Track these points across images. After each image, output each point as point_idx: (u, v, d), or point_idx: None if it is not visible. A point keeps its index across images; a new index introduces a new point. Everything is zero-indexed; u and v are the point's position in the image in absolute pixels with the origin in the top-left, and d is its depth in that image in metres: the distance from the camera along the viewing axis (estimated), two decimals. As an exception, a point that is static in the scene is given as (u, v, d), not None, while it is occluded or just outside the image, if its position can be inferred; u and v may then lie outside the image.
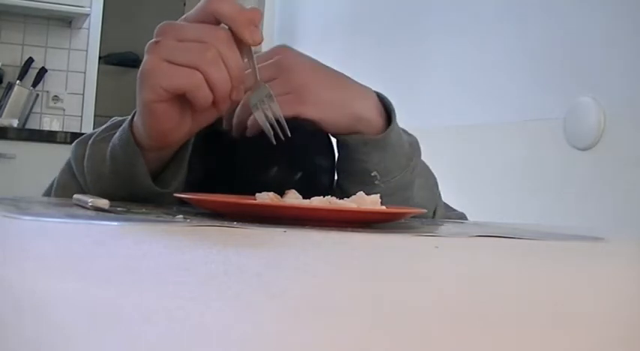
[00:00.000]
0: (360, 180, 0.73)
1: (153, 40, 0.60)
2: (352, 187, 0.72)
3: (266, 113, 0.64)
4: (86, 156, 0.71)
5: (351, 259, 0.40)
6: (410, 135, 0.79)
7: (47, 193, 0.79)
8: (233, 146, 0.75)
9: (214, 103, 0.60)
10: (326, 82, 0.72)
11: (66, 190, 0.74)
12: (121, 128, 0.68)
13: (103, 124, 0.74)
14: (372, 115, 0.73)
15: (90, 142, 0.71)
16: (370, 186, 0.72)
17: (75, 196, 0.62)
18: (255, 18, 0.60)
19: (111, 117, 0.77)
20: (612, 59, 1.46)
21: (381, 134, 0.72)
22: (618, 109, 1.45)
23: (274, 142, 0.64)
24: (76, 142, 0.76)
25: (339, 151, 0.76)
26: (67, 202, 0.63)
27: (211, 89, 0.59)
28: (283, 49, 0.71)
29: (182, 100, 0.60)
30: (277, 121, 0.65)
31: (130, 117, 0.67)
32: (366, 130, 0.72)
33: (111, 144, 0.68)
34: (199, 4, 0.61)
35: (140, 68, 0.61)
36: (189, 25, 0.60)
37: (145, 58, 0.61)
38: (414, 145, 0.78)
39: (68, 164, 0.76)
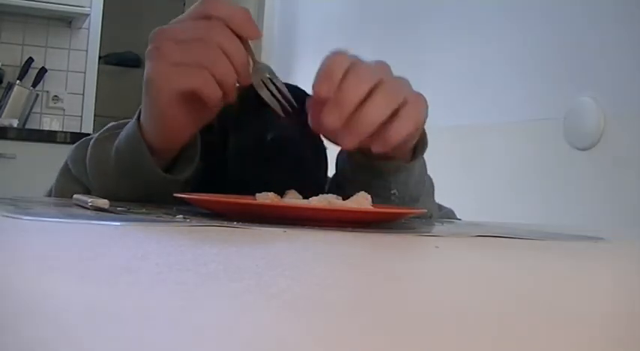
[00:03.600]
0: (376, 193, 0.67)
1: (151, 46, 0.60)
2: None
3: (270, 89, 0.64)
4: (88, 156, 0.71)
5: (351, 259, 0.40)
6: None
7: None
8: (228, 146, 0.75)
9: (223, 95, 0.60)
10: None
11: (65, 193, 0.74)
12: (127, 128, 0.68)
13: (103, 125, 0.74)
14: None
15: (91, 143, 0.71)
16: (385, 200, 0.71)
17: (75, 196, 0.62)
18: (248, 16, 0.61)
19: (111, 117, 0.77)
20: (612, 59, 1.46)
21: (415, 160, 0.71)
22: (618, 109, 1.45)
23: (282, 115, 0.63)
24: (74, 146, 0.76)
25: (359, 167, 0.72)
26: (67, 202, 0.63)
27: (219, 83, 0.59)
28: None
29: (188, 99, 0.61)
30: (281, 93, 0.64)
31: (134, 119, 0.67)
32: (403, 155, 0.70)
33: (116, 142, 0.68)
34: (192, 8, 0.61)
35: (145, 76, 0.61)
36: (183, 25, 0.60)
37: (148, 65, 0.61)
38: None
39: (65, 168, 0.76)
